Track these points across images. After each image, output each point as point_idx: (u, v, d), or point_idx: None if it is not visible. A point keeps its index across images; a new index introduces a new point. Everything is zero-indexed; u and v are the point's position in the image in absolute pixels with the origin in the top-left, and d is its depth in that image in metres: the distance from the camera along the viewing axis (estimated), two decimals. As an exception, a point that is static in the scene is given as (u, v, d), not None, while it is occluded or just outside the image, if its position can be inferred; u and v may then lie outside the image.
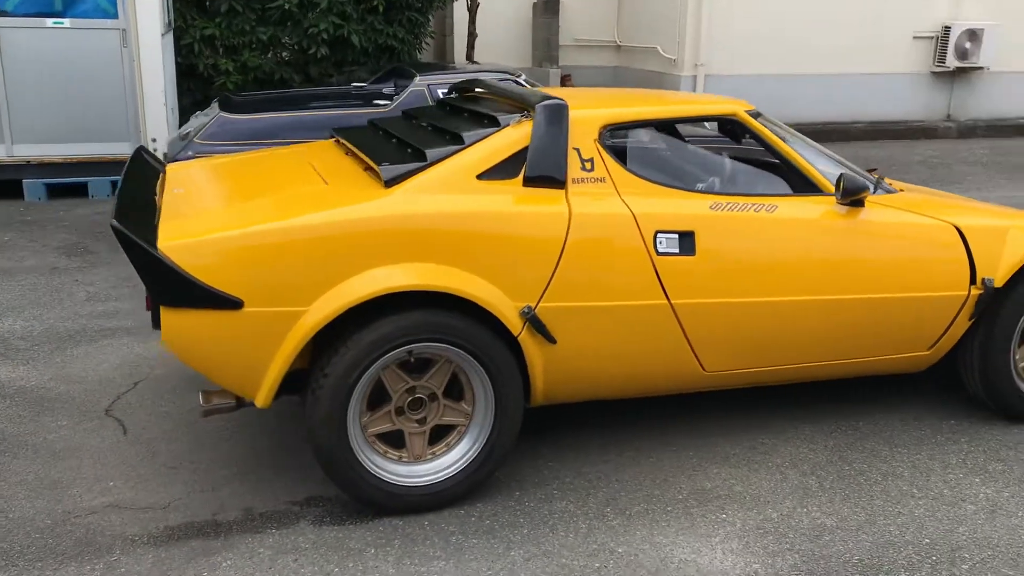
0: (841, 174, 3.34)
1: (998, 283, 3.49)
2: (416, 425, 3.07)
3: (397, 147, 3.42)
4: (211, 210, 3.06)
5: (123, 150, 7.73)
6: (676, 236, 3.17)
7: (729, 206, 3.26)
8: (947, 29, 11.82)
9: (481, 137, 3.18)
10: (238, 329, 2.80)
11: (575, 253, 3.05)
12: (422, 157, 3.13)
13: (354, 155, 3.56)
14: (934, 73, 12.15)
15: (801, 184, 3.49)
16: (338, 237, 2.84)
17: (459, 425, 3.12)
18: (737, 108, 3.53)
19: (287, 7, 8.96)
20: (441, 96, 5.84)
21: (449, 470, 3.07)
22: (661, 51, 11.65)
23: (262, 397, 2.90)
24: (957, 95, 12.33)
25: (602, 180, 3.19)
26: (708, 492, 3.22)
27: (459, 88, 4.23)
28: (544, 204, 3.07)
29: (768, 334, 3.33)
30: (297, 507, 3.11)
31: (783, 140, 3.54)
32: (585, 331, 3.10)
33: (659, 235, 3.14)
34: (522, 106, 3.41)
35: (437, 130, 3.50)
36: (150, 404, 3.86)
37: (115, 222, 2.68)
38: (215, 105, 6.07)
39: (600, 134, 3.25)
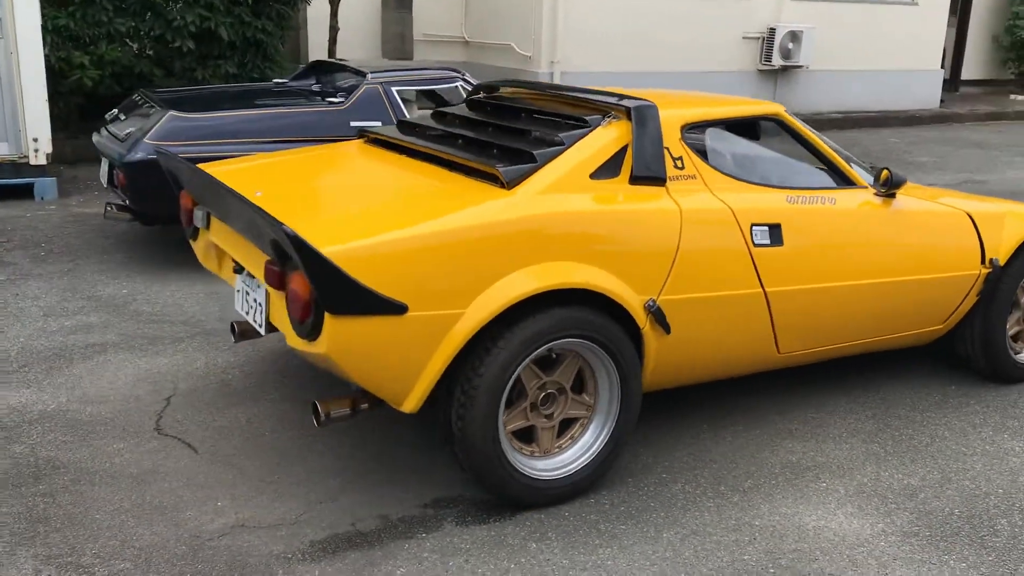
0: (887, 168, 3.69)
1: (1001, 262, 3.96)
2: (545, 420, 3.14)
3: (480, 148, 3.45)
4: (340, 215, 2.99)
5: (-1, 151, 7.13)
6: (767, 228, 3.40)
7: (801, 199, 3.53)
8: (772, 31, 12.78)
9: (578, 138, 3.28)
10: (400, 334, 2.78)
11: (688, 247, 3.22)
12: (531, 158, 3.19)
13: (420, 156, 3.55)
14: (760, 71, 13.09)
15: (837, 178, 3.81)
16: (491, 238, 2.87)
17: (581, 418, 3.21)
18: (779, 108, 3.81)
19: (150, -3, 8.51)
20: (396, 93, 5.81)
21: (580, 461, 3.16)
22: (516, 48, 11.91)
23: (412, 402, 2.88)
24: (780, 91, 13.35)
25: (693, 177, 3.37)
26: (796, 464, 3.48)
27: (486, 88, 4.27)
28: (656, 201, 3.22)
29: (832, 316, 3.63)
30: (431, 510, 3.10)
31: (818, 138, 3.85)
32: (694, 321, 3.28)
33: (754, 227, 3.37)
34: (595, 107, 3.53)
35: (512, 131, 3.56)
36: (199, 420, 3.68)
37: (289, 229, 2.59)
38: (148, 103, 5.71)
39: (682, 133, 3.42)
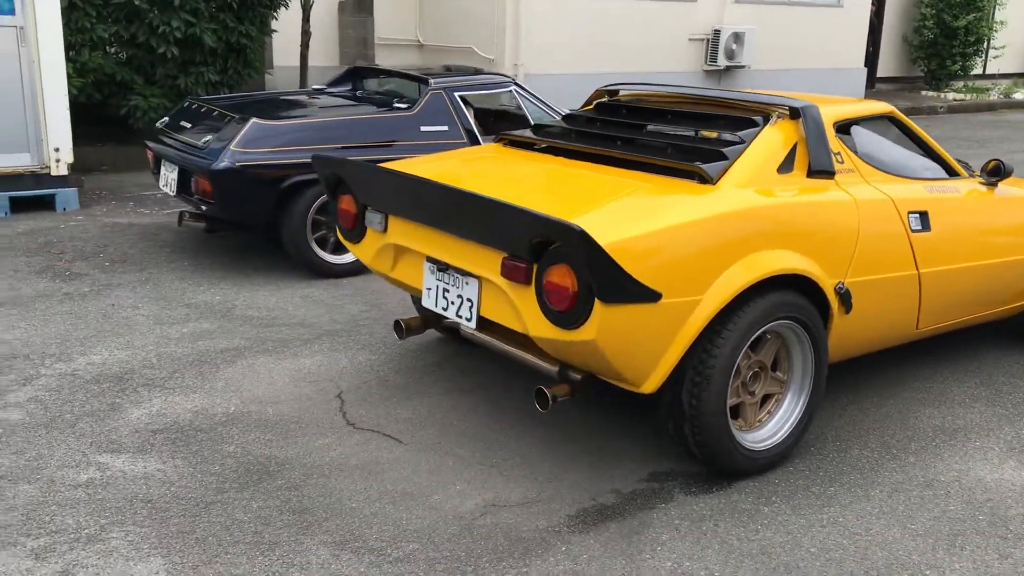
0: (998, 160, 4.11)
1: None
2: (750, 396, 3.43)
3: (655, 147, 3.71)
4: (570, 211, 3.20)
5: (21, 162, 7.01)
6: (918, 215, 3.77)
7: (935, 188, 3.93)
8: (717, 32, 13.39)
9: (754, 136, 3.58)
10: (652, 320, 3.02)
11: (865, 234, 3.56)
12: (721, 156, 3.47)
13: (573, 155, 3.81)
14: (705, 71, 13.68)
15: (945, 169, 4.21)
16: (722, 229, 3.14)
17: (775, 393, 3.52)
18: (892, 108, 4.19)
19: (136, 3, 8.43)
20: (459, 98, 5.99)
21: (782, 432, 3.47)
22: (478, 50, 12.15)
23: (653, 383, 3.13)
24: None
25: (851, 171, 3.72)
26: (943, 428, 3.86)
27: (609, 91, 4.52)
28: (834, 192, 3.55)
29: (958, 294, 4.03)
30: (654, 484, 3.36)
31: (926, 134, 4.25)
32: (867, 300, 3.62)
33: (910, 215, 3.73)
34: (743, 107, 3.84)
35: (672, 132, 3.84)
36: (382, 413, 3.83)
37: (579, 226, 2.79)
38: (214, 111, 5.74)
39: (835, 131, 3.77)
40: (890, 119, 4.17)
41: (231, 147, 5.28)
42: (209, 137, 5.47)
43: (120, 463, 3.36)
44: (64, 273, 5.54)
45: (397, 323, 4.00)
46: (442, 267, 3.54)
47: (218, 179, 5.24)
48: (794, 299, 3.33)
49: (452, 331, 4.13)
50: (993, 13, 17.90)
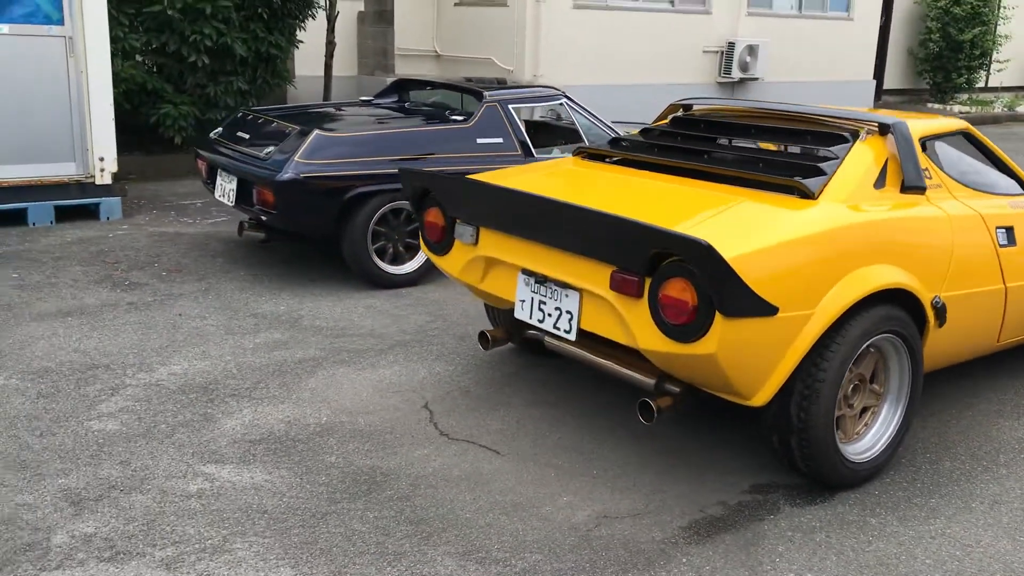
0: (1075, 175, 4.19)
1: None
2: (850, 409, 3.48)
3: (745, 161, 3.75)
4: (679, 225, 3.24)
5: (67, 171, 7.02)
6: (1005, 231, 3.83)
7: (1018, 204, 3.99)
8: (731, 45, 13.49)
9: (847, 152, 3.64)
10: (768, 334, 3.06)
11: (959, 249, 3.61)
12: (819, 171, 3.52)
13: (664, 170, 3.85)
14: (719, 83, 13.79)
15: (1021, 184, 4.28)
16: (832, 244, 3.19)
17: (871, 406, 3.56)
18: (967, 124, 4.25)
19: (169, 12, 8.46)
20: (513, 111, 6.03)
21: (880, 444, 3.51)
22: (497, 62, 12.20)
23: (764, 396, 3.17)
24: (740, 103, 14.03)
25: (939, 186, 3.78)
26: (1018, 441, 3.93)
27: (684, 106, 4.58)
28: (928, 207, 3.60)
29: (1037, 308, 4.10)
30: (758, 496, 3.39)
31: (1000, 150, 4.31)
32: (959, 314, 3.67)
33: (997, 230, 3.79)
34: (835, 123, 3.90)
35: (758, 147, 3.88)
36: (473, 424, 3.86)
37: (705, 241, 2.84)
38: (271, 122, 5.76)
39: (920, 146, 3.82)
40: (965, 135, 4.23)
41: (295, 158, 5.30)
42: (271, 148, 5.49)
43: (226, 473, 3.38)
44: (123, 283, 5.55)
45: (483, 334, 4.03)
46: (540, 279, 3.57)
47: (282, 190, 5.26)
48: (897, 313, 3.38)
49: (533, 343, 4.16)
50: (996, 27, 18.08)
